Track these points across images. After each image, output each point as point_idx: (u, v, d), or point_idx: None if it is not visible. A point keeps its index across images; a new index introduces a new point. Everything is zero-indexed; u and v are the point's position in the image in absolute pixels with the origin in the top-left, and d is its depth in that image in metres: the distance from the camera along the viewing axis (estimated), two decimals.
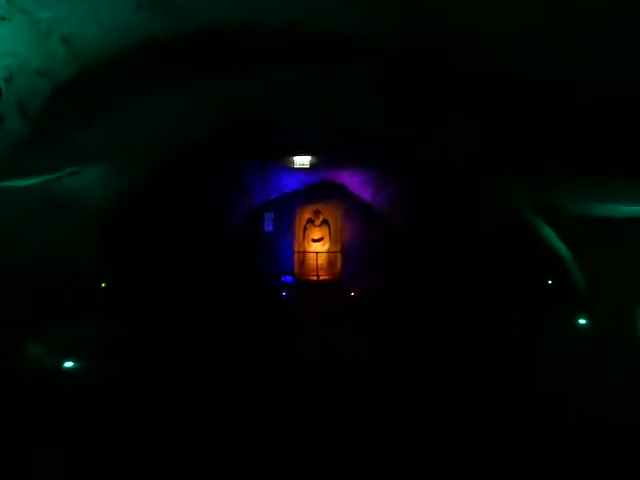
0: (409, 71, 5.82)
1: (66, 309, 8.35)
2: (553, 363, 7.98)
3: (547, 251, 11.40)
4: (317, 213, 15.86)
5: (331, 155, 13.20)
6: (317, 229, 15.92)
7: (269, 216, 15.75)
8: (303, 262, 15.80)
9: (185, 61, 5.17)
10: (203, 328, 9.85)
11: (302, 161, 13.61)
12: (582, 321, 9.99)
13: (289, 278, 15.33)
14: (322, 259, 15.74)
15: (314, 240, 15.88)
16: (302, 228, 15.88)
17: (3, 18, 3.14)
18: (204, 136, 9.55)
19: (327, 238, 15.88)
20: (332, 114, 9.11)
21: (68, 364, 7.28)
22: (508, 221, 12.24)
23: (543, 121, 6.41)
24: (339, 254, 15.74)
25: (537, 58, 4.56)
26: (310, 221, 15.91)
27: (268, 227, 15.69)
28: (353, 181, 15.15)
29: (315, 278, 15.51)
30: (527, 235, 11.87)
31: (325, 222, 15.89)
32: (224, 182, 13.72)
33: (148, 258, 11.49)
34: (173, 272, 11.91)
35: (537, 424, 5.75)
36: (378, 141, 10.61)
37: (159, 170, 10.69)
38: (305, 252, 15.79)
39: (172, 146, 9.30)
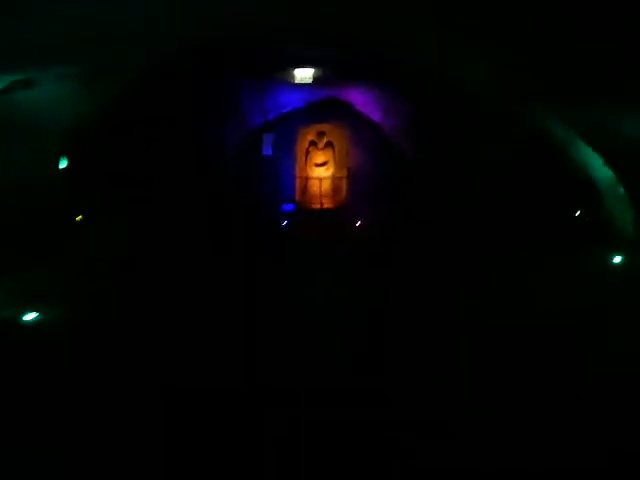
0: None
1: (28, 248, 7.27)
2: (581, 302, 7.09)
3: (579, 180, 10.10)
4: (321, 135, 14.37)
5: (336, 68, 11.61)
6: (320, 152, 14.50)
7: (268, 138, 14.26)
8: (305, 189, 14.55)
9: None
10: (192, 264, 8.90)
11: (304, 74, 11.99)
12: (618, 259, 8.93)
13: (290, 206, 14.16)
14: (326, 185, 14.48)
15: (317, 165, 14.52)
16: (304, 151, 14.46)
17: None
18: (186, 44, 8.01)
19: (332, 162, 14.50)
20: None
21: (29, 316, 6.28)
22: (535, 145, 10.84)
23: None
24: (344, 180, 14.44)
25: None
26: (313, 143, 14.45)
27: (267, 150, 14.25)
28: (361, 99, 13.57)
29: (318, 206, 14.35)
30: (556, 161, 10.53)
31: (329, 144, 14.44)
32: (213, 100, 12.21)
33: (129, 188, 10.24)
34: (159, 203, 10.73)
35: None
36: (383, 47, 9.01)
37: (135, 87, 9.27)
38: (307, 178, 14.50)
39: (148, 49, 7.77)
